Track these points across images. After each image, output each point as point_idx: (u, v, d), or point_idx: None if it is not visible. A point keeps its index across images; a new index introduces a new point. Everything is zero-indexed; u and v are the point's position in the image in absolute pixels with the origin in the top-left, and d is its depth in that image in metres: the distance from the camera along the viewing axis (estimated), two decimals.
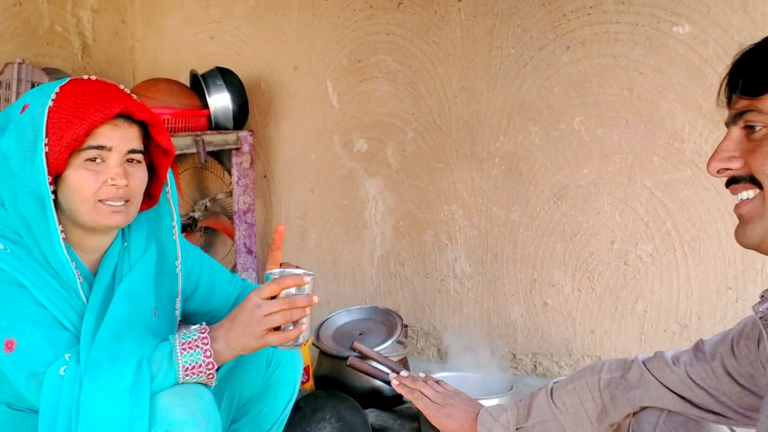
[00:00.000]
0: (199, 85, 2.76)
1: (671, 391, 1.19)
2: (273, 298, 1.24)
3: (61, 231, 1.24)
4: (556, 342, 2.42)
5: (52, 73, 2.67)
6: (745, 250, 1.05)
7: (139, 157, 1.32)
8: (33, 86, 2.50)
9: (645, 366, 1.24)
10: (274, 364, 1.50)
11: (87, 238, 1.32)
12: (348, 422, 1.85)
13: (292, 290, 1.25)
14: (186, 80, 2.88)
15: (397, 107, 2.66)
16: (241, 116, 2.83)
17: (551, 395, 1.31)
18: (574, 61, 2.28)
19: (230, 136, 2.78)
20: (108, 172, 1.26)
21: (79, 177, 1.25)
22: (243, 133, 2.82)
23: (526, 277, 2.46)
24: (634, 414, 1.24)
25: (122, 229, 1.39)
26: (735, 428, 1.20)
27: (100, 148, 1.25)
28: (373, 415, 1.93)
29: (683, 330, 2.20)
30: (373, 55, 2.69)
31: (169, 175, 1.43)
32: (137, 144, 1.30)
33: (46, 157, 1.20)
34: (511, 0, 2.37)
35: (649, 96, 2.17)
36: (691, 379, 1.17)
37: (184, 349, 1.21)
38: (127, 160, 1.29)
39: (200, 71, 2.81)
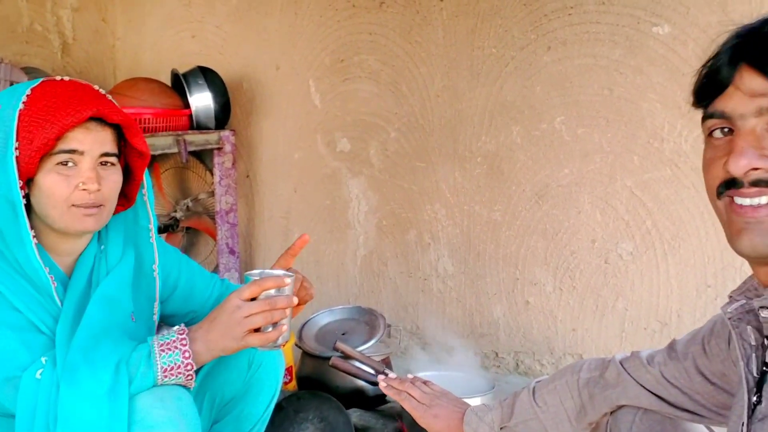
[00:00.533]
0: (180, 84, 2.74)
1: (647, 390, 1.21)
2: (253, 299, 1.24)
3: (34, 236, 1.22)
4: (537, 340, 2.44)
5: (32, 72, 2.64)
6: (725, 247, 1.06)
7: (113, 160, 1.30)
8: (12, 85, 2.47)
9: (622, 365, 1.25)
10: (255, 364, 1.50)
11: (61, 242, 1.31)
12: (330, 422, 1.85)
13: (272, 291, 1.25)
14: (167, 79, 2.86)
15: (380, 107, 2.66)
16: (223, 116, 2.82)
17: (533, 395, 1.33)
18: (555, 61, 2.29)
19: (212, 136, 2.77)
20: (80, 176, 1.24)
21: (50, 181, 1.23)
22: (225, 133, 2.81)
23: (508, 276, 2.47)
24: (611, 413, 1.26)
25: (99, 232, 1.38)
26: (711, 427, 1.21)
27: (72, 152, 1.23)
28: (355, 415, 1.93)
29: (663, 328, 2.22)
30: (356, 54, 2.69)
31: (146, 177, 1.41)
32: (111, 147, 1.29)
33: (17, 161, 1.19)
34: (493, 0, 2.38)
35: (629, 96, 2.19)
36: (665, 378, 1.19)
37: (163, 351, 1.21)
38: (101, 163, 1.28)
39: (182, 70, 2.80)
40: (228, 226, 2.86)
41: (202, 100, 2.74)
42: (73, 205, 1.25)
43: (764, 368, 0.90)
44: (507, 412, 1.34)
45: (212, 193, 2.91)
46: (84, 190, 1.24)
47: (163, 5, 3.21)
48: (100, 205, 1.28)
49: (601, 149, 2.26)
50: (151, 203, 1.44)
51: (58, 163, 1.24)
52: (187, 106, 2.72)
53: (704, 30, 2.05)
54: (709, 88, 0.89)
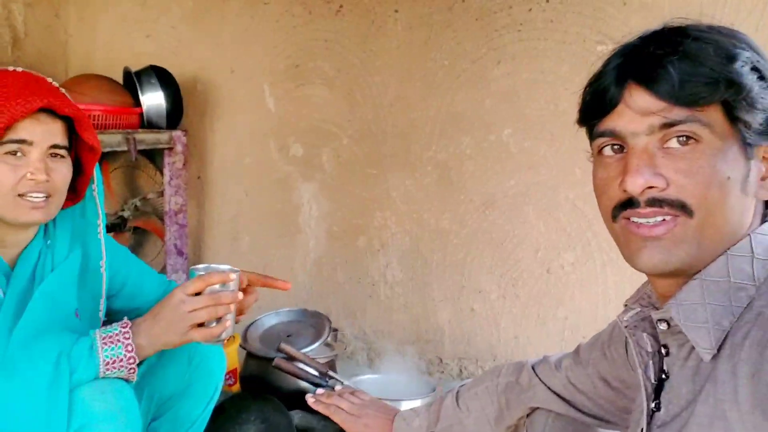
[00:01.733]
0: (132, 83, 2.72)
1: (556, 394, 1.23)
2: (198, 294, 1.25)
3: None
4: (481, 347, 2.49)
5: None
6: None
7: (63, 152, 1.30)
8: None
9: (534, 370, 1.28)
10: (195, 362, 1.50)
11: (6, 233, 1.29)
12: (272, 423, 1.86)
13: (217, 287, 1.26)
14: (120, 78, 2.83)
15: (334, 113, 2.68)
16: (175, 116, 2.80)
17: (457, 399, 1.36)
18: (505, 75, 2.36)
19: (163, 135, 2.75)
20: (28, 166, 1.24)
21: None
22: (176, 133, 2.79)
23: (454, 283, 2.52)
24: (527, 415, 1.28)
25: (45, 226, 1.37)
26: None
27: (21, 142, 1.23)
28: (298, 417, 1.94)
29: None
30: (311, 60, 2.71)
31: (96, 172, 1.41)
32: (60, 139, 1.29)
33: None
34: (446, 13, 2.44)
35: (573, 111, 2.22)
36: (571, 383, 1.22)
37: (105, 344, 1.21)
38: (51, 155, 1.27)
39: (135, 69, 2.77)
40: (177, 227, 2.84)
41: (153, 99, 2.72)
42: (19, 195, 1.24)
43: (662, 375, 0.92)
44: (433, 417, 1.37)
45: (162, 193, 2.89)
46: (31, 179, 1.24)
47: (118, 3, 3.18)
48: (49, 196, 1.27)
49: (546, 162, 2.33)
50: (100, 199, 1.44)
51: (6, 153, 1.23)
52: (138, 104, 2.70)
53: None
54: (597, 106, 0.89)
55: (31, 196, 1.25)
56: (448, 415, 1.35)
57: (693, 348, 0.85)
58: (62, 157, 1.30)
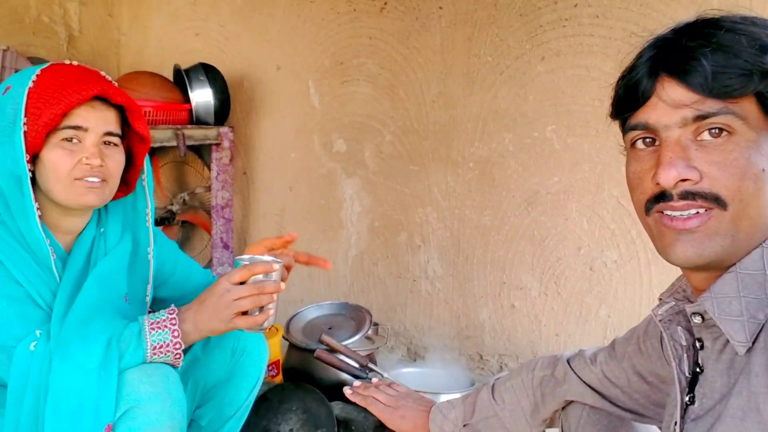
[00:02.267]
0: (182, 80, 2.79)
1: (591, 388, 1.23)
2: (242, 283, 1.29)
3: (38, 209, 1.26)
4: (521, 344, 2.48)
5: (37, 63, 2.69)
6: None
7: (116, 140, 1.35)
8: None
9: (569, 364, 1.28)
10: (239, 352, 1.54)
11: (63, 219, 1.35)
12: (313, 413, 1.90)
13: (261, 276, 1.30)
14: (170, 75, 2.92)
15: (377, 110, 2.71)
16: (222, 112, 2.86)
17: (492, 392, 1.36)
18: (549, 71, 2.35)
19: (211, 131, 2.81)
20: (83, 151, 1.29)
21: (54, 156, 1.28)
22: (224, 129, 2.86)
23: (495, 279, 2.52)
24: (562, 408, 1.29)
25: (98, 214, 1.42)
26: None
27: (77, 128, 1.29)
28: (338, 407, 1.97)
29: None
30: (355, 57, 2.74)
31: (146, 164, 1.46)
32: (114, 127, 1.34)
33: (25, 137, 1.24)
34: (490, 9, 2.44)
35: None
36: (606, 377, 1.21)
37: (153, 329, 1.26)
38: (104, 143, 1.32)
39: (184, 66, 2.85)
40: (223, 221, 2.91)
41: (202, 96, 2.79)
42: (76, 179, 1.29)
43: (696, 369, 0.92)
44: (469, 409, 1.38)
45: (209, 188, 2.96)
46: (87, 164, 1.29)
47: (169, 3, 3.27)
48: (103, 180, 1.32)
49: (590, 159, 2.31)
50: (150, 189, 1.49)
51: (63, 139, 1.29)
52: (187, 101, 2.77)
53: None
54: (630, 99, 0.89)
55: (87, 180, 1.30)
56: (484, 407, 1.35)
57: (728, 341, 0.85)
58: (115, 145, 1.35)
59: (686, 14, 2.27)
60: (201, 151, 3.07)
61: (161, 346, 1.25)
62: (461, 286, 2.59)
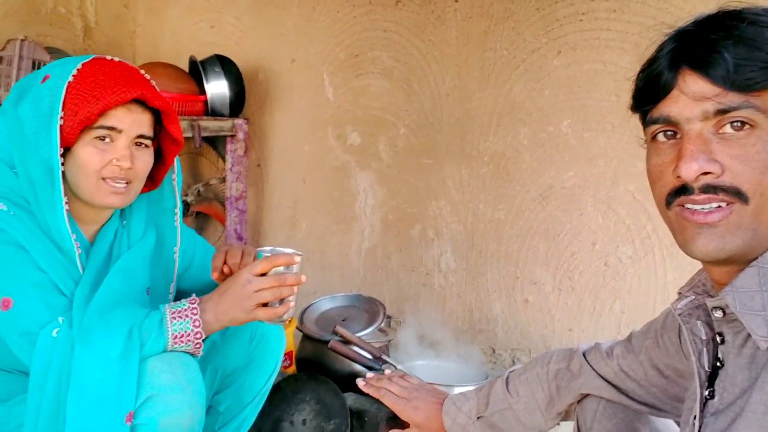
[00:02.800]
0: (197, 71, 2.80)
1: (607, 381, 1.23)
2: (263, 275, 1.30)
3: (66, 202, 1.27)
4: (534, 339, 2.48)
5: (54, 53, 2.71)
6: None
7: (147, 142, 1.36)
8: (34, 64, 2.54)
9: (584, 357, 1.28)
10: (257, 339, 1.56)
11: (87, 211, 1.37)
12: (327, 404, 1.91)
13: (282, 269, 1.31)
14: (185, 67, 2.93)
15: (391, 103, 2.71)
16: (237, 104, 2.87)
17: (507, 385, 1.36)
18: (565, 66, 2.34)
19: (226, 123, 2.83)
20: (114, 152, 1.30)
21: (86, 153, 1.29)
22: (239, 121, 2.87)
23: (508, 274, 2.52)
24: (578, 401, 1.28)
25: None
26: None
27: (111, 129, 1.29)
28: (351, 399, 1.98)
29: None
30: (370, 50, 2.74)
31: (177, 162, 1.47)
32: (147, 130, 1.35)
33: (60, 130, 1.24)
34: (506, 3, 2.43)
35: None
36: (623, 371, 1.21)
37: (174, 318, 1.27)
38: (135, 144, 1.33)
39: (199, 58, 2.86)
40: (237, 213, 2.92)
41: (217, 88, 2.80)
42: (103, 178, 1.30)
43: (716, 363, 0.91)
44: (483, 402, 1.37)
45: (223, 180, 2.97)
46: (116, 165, 1.30)
47: None
48: (129, 182, 1.33)
49: (606, 154, 2.30)
50: (179, 187, 1.49)
51: (96, 137, 1.29)
52: (202, 92, 2.78)
53: None
54: (651, 92, 0.88)
55: (113, 182, 1.31)
56: (498, 399, 1.35)
57: (749, 336, 0.84)
58: (146, 146, 1.36)
59: (704, 8, 2.26)
60: (216, 143, 3.09)
61: (182, 336, 1.27)
62: (474, 280, 2.59)
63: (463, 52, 2.54)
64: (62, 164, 1.27)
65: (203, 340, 1.29)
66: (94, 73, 1.28)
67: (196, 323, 1.27)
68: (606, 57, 2.27)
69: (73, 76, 1.27)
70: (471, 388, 1.66)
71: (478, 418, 1.37)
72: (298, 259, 1.32)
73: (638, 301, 2.30)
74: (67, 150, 1.29)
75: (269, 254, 1.33)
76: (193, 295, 1.32)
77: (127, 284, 1.35)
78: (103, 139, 1.30)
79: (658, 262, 2.25)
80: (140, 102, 1.31)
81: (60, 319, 1.24)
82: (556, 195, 2.40)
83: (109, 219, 1.41)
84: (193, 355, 1.30)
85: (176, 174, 1.48)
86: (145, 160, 1.36)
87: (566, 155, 2.37)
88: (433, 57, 2.60)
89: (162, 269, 1.48)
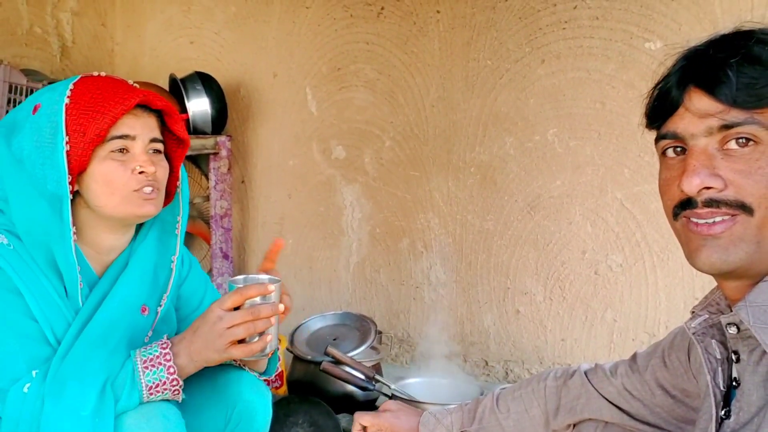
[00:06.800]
0: (178, 89, 2.76)
1: (609, 402, 1.22)
2: (237, 308, 1.19)
3: (74, 232, 1.22)
4: (527, 350, 2.46)
5: (31, 74, 2.67)
6: None
7: (160, 146, 1.31)
8: (11, 87, 2.49)
9: (586, 376, 1.26)
10: (233, 422, 1.39)
11: (105, 236, 1.30)
12: (320, 427, 1.87)
13: (257, 299, 1.19)
14: (165, 84, 2.89)
15: (376, 115, 2.69)
16: (219, 121, 2.84)
17: (497, 402, 1.34)
18: (549, 74, 2.33)
19: (208, 141, 2.79)
20: (135, 160, 1.25)
21: (106, 169, 1.23)
22: (221, 138, 2.83)
23: (499, 285, 2.50)
24: (574, 425, 1.26)
25: (136, 233, 1.37)
26: None
27: (125, 137, 1.24)
28: (345, 420, 1.94)
29: (651, 339, 2.24)
30: (353, 63, 2.72)
31: (182, 171, 1.42)
32: (157, 133, 1.30)
33: (68, 156, 1.19)
34: (489, 13, 2.42)
35: (620, 110, 2.22)
36: (627, 390, 1.20)
37: (147, 368, 1.19)
38: (150, 151, 1.29)
39: (180, 76, 2.82)
40: (222, 231, 2.88)
41: (199, 105, 2.76)
42: (134, 191, 1.25)
43: (732, 383, 0.91)
44: (468, 416, 1.35)
45: (207, 198, 2.93)
46: (141, 172, 1.25)
47: (163, 11, 3.24)
48: (156, 189, 1.28)
49: (593, 162, 2.29)
50: (185, 197, 1.43)
51: (112, 151, 1.24)
52: (184, 110, 2.74)
53: None
54: (660, 109, 0.91)
55: (143, 191, 1.26)
56: (486, 416, 1.33)
57: (764, 352, 0.84)
58: (159, 152, 1.31)
59: (687, 15, 2.25)
60: (199, 161, 3.05)
61: (157, 385, 1.18)
62: (465, 292, 2.57)
63: (446, 63, 2.52)
64: (73, 191, 1.21)
65: (181, 387, 1.20)
66: (89, 90, 1.23)
67: (171, 370, 1.18)
68: (590, 65, 2.26)
69: (68, 97, 1.21)
70: None
71: None
72: (272, 287, 1.19)
73: (630, 308, 2.28)
74: (80, 175, 1.23)
75: (241, 284, 1.22)
76: (165, 336, 1.24)
77: (122, 308, 1.28)
78: (120, 151, 1.25)
79: (648, 269, 2.24)
80: (143, 106, 1.27)
81: (34, 372, 1.16)
82: (544, 204, 2.38)
83: (127, 246, 1.34)
84: (175, 399, 1.22)
85: (182, 182, 1.42)
86: (163, 165, 1.31)
87: (553, 164, 2.36)
88: (417, 68, 2.58)
89: (159, 282, 1.40)
